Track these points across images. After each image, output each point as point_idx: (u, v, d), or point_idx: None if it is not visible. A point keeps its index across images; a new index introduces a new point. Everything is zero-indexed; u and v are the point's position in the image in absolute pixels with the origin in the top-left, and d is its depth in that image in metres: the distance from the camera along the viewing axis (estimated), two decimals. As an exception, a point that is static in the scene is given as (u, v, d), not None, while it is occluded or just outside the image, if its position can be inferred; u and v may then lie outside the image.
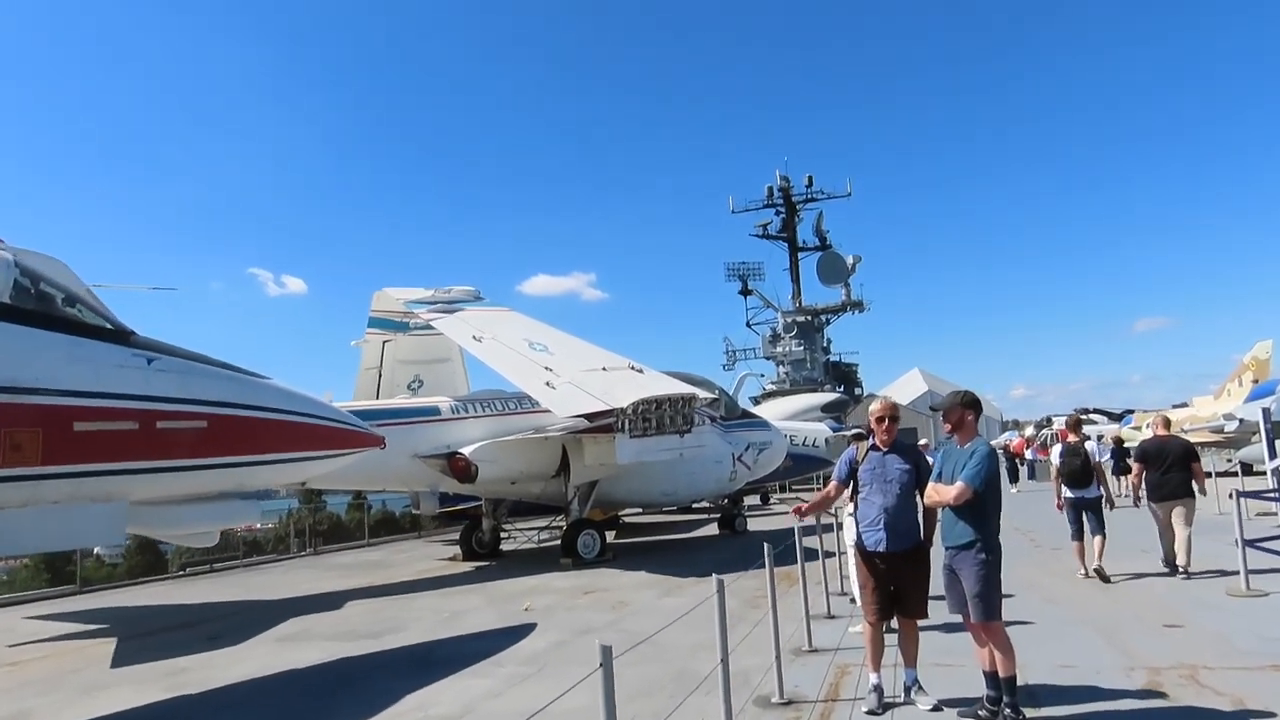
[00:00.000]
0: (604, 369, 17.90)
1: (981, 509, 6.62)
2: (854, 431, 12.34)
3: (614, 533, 26.17)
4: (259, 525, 30.41)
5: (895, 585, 7.28)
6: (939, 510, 6.98)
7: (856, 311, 69.98)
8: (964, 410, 6.92)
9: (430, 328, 19.81)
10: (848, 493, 7.72)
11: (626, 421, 17.22)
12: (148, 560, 22.05)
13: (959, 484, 6.57)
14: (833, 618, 11.31)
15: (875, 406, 7.53)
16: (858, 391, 70.36)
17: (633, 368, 18.41)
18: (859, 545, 7.41)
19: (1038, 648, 8.63)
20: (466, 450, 18.22)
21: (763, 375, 66.58)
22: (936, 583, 7.17)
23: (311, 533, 28.20)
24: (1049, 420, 64.68)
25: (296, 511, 31.55)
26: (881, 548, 7.18)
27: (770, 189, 70.79)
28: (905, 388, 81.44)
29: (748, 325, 70.69)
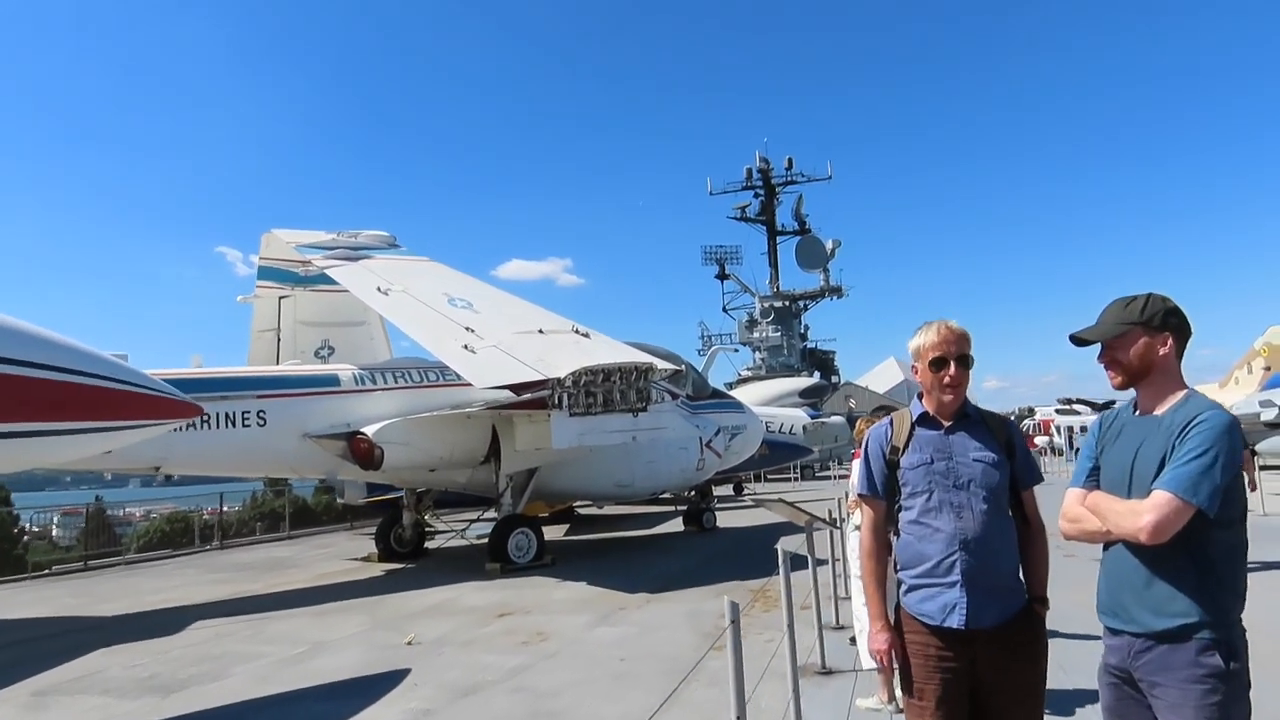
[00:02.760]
0: (540, 331, 14.03)
1: (1214, 552, 2.85)
2: (876, 408, 8.71)
3: (567, 527, 22.40)
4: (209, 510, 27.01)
5: (980, 691, 3.49)
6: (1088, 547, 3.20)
7: (835, 297, 66.72)
8: (1153, 335, 3.11)
9: (335, 281, 15.83)
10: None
11: (565, 396, 13.39)
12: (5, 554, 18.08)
13: (1162, 496, 2.78)
14: (828, 673, 7.51)
15: (931, 335, 3.61)
16: (835, 379, 66.91)
17: (578, 331, 14.55)
18: (908, 616, 3.59)
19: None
20: (369, 430, 14.29)
21: (737, 349, 62.93)
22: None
23: (269, 517, 24.55)
24: (1031, 410, 61.38)
25: (260, 495, 27.66)
26: (959, 622, 3.39)
27: (749, 171, 67.20)
28: (881, 376, 78.22)
29: (724, 310, 67.24)
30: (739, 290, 66.67)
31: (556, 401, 13.32)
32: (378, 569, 16.26)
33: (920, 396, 3.75)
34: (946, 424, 3.61)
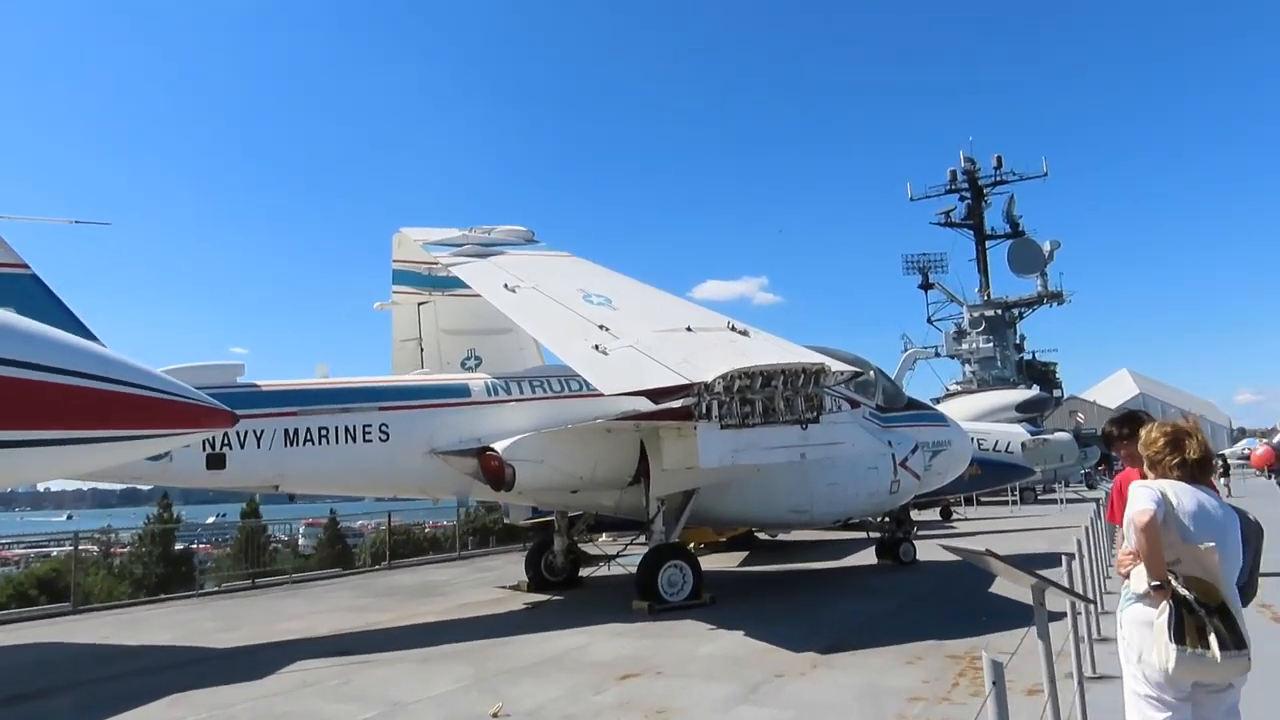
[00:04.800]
0: (688, 329, 11.59)
1: None
2: (1123, 415, 5.74)
3: (744, 556, 19.70)
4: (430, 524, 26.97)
5: None
6: None
7: (1054, 304, 59.64)
8: None
9: (474, 283, 14.13)
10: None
11: (714, 405, 10.85)
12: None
13: None
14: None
15: None
16: (1057, 393, 59.85)
17: (734, 329, 12.00)
18: None
19: None
20: (499, 446, 12.37)
21: (937, 353, 57.43)
22: None
23: (479, 532, 24.61)
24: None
25: (473, 510, 27.28)
26: None
27: (953, 173, 61.62)
28: (1112, 390, 69.83)
29: (929, 321, 61.76)
30: (945, 300, 61.15)
31: (704, 411, 10.81)
32: (523, 599, 14.35)
33: None
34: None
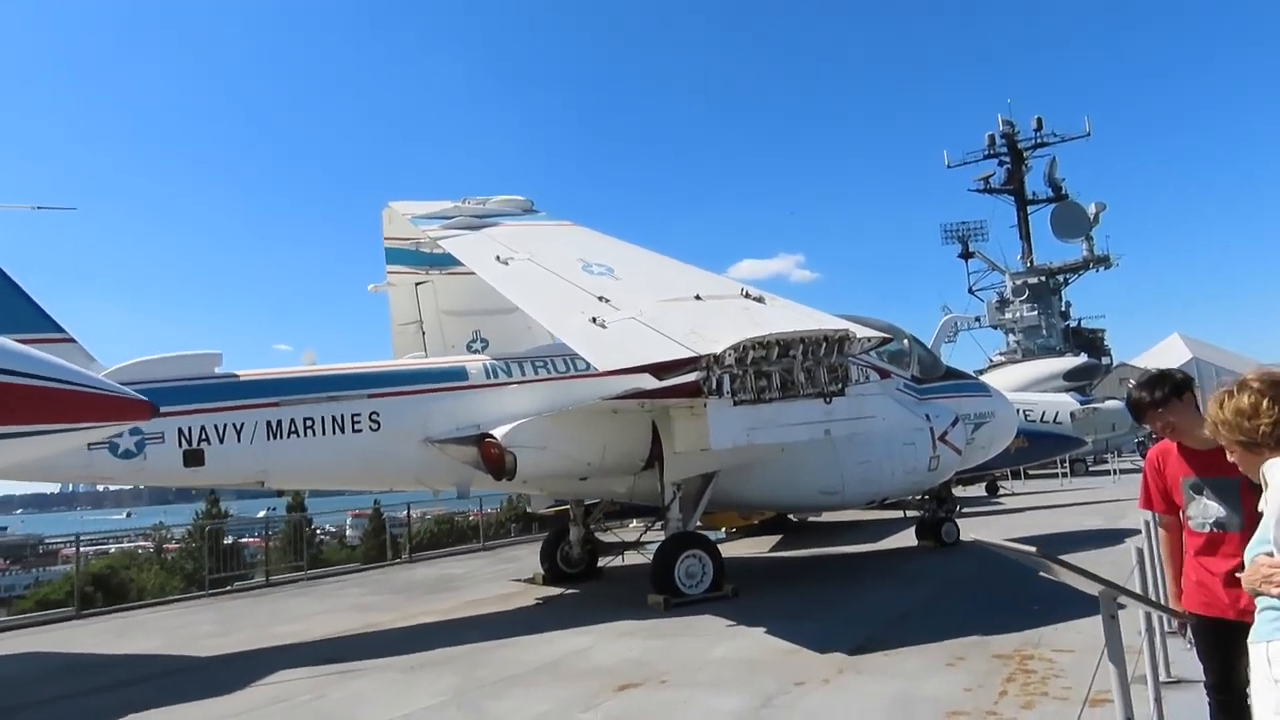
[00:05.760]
0: (696, 298, 10.43)
1: None
2: (1142, 391, 4.32)
3: (777, 539, 18.52)
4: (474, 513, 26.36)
5: None
6: None
7: (1101, 268, 57.06)
8: None
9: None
10: None
11: (726, 379, 9.69)
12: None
13: None
14: None
15: None
16: (1106, 360, 57.34)
17: (748, 295, 10.81)
18: None
19: None
20: (499, 432, 11.33)
21: (978, 319, 55.30)
22: None
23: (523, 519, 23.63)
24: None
25: (516, 497, 26.49)
26: None
27: (992, 137, 59.01)
28: (1164, 355, 66.83)
29: (970, 291, 59.44)
30: (986, 269, 58.83)
31: (714, 386, 9.66)
32: (538, 593, 13.39)
33: None
34: None
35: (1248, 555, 2.78)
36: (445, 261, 13.56)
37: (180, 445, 10.38)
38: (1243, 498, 4.01)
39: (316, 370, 11.61)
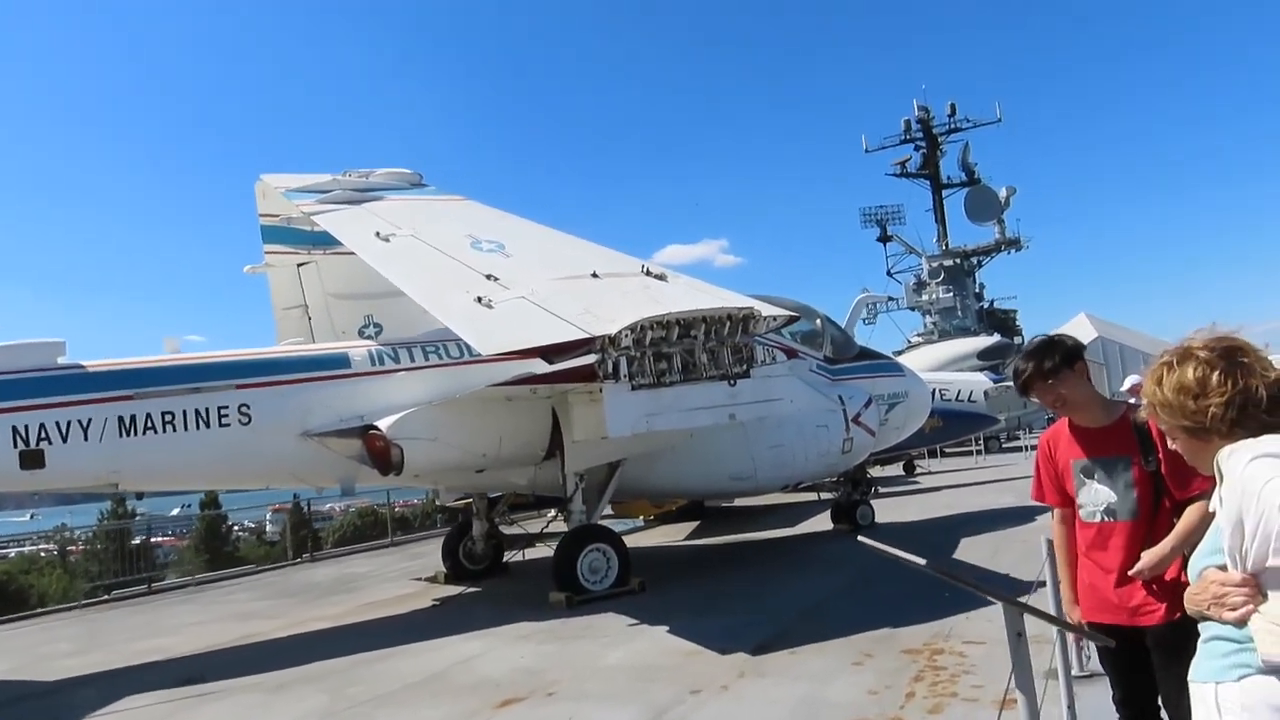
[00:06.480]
0: (593, 275, 9.68)
1: None
2: (1027, 361, 3.70)
3: (694, 526, 17.98)
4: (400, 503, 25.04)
5: None
6: None
7: (1012, 250, 58.51)
8: None
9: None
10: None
11: (622, 362, 8.99)
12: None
13: None
14: None
15: None
16: (1018, 340, 58.63)
17: (649, 273, 10.11)
18: None
19: None
20: (384, 423, 10.41)
21: (890, 300, 56.01)
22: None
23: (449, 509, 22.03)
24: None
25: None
26: None
27: (907, 122, 59.74)
28: (1071, 333, 68.27)
29: (889, 274, 60.24)
30: (904, 252, 59.65)
31: (610, 370, 8.94)
32: (437, 593, 12.54)
33: None
34: None
35: (1193, 567, 2.17)
36: (330, 240, 12.49)
37: (15, 445, 9.18)
38: (1135, 480, 3.46)
39: (176, 359, 10.44)
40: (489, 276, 9.38)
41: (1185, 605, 2.12)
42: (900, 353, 45.02)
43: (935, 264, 57.04)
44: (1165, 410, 2.21)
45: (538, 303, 8.93)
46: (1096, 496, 3.60)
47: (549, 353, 8.64)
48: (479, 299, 8.94)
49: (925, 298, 56.63)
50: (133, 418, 9.66)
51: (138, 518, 26.35)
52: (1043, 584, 5.49)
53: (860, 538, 3.53)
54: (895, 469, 26.80)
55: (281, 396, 10.42)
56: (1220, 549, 2.01)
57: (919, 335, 55.41)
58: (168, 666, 9.23)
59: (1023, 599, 5.99)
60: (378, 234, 10.57)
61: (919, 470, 27.69)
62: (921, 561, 2.66)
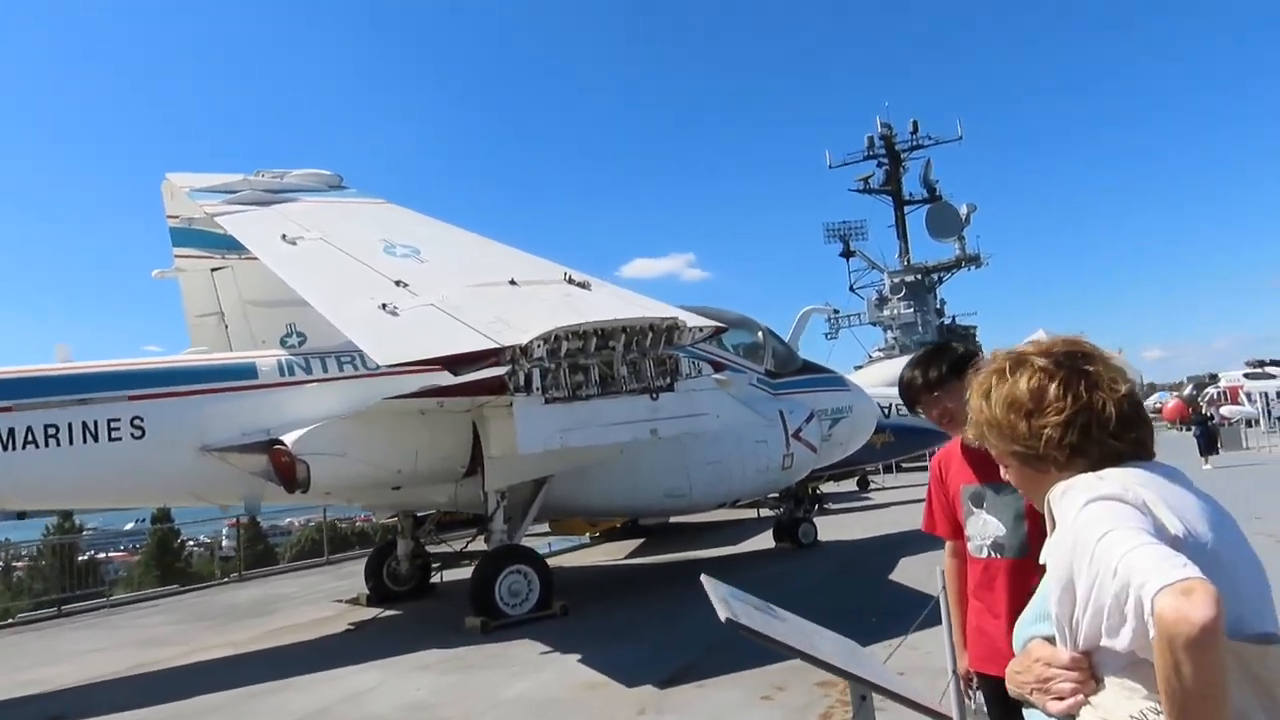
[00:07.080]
0: (512, 282, 9.15)
1: None
2: (914, 370, 3.25)
3: (639, 544, 17.45)
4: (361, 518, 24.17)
5: None
6: None
7: (972, 267, 58.56)
8: None
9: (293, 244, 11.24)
10: None
11: (535, 374, 8.47)
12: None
13: None
14: None
15: None
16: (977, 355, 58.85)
17: (571, 281, 9.59)
18: None
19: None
20: (289, 438, 9.78)
21: (837, 312, 55.84)
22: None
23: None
24: (1214, 377, 51.63)
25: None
26: None
27: (871, 139, 59.85)
28: (1031, 351, 68.81)
29: (851, 289, 60.20)
30: (866, 267, 59.64)
31: (522, 382, 8.42)
32: (355, 616, 11.90)
33: None
34: None
35: (1017, 637, 1.68)
36: (238, 245, 11.82)
37: (-122, 462, 8.47)
38: (1026, 511, 2.97)
39: (61, 369, 9.74)
40: (399, 283, 8.82)
41: (1007, 685, 1.65)
42: (861, 367, 44.99)
43: (897, 279, 57.14)
44: (994, 432, 1.73)
45: (447, 310, 8.39)
46: (985, 528, 3.13)
47: (453, 363, 8.08)
48: (384, 306, 8.38)
49: (887, 313, 56.65)
50: (11, 431, 8.96)
51: (85, 533, 25.39)
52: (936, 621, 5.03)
53: (703, 576, 3.04)
54: (850, 484, 26.45)
55: (179, 409, 9.74)
56: (1048, 614, 1.54)
57: (880, 350, 55.39)
58: (39, 702, 8.52)
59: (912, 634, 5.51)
60: (284, 236, 9.95)
61: (872, 486, 27.37)
62: (773, 636, 2.17)
